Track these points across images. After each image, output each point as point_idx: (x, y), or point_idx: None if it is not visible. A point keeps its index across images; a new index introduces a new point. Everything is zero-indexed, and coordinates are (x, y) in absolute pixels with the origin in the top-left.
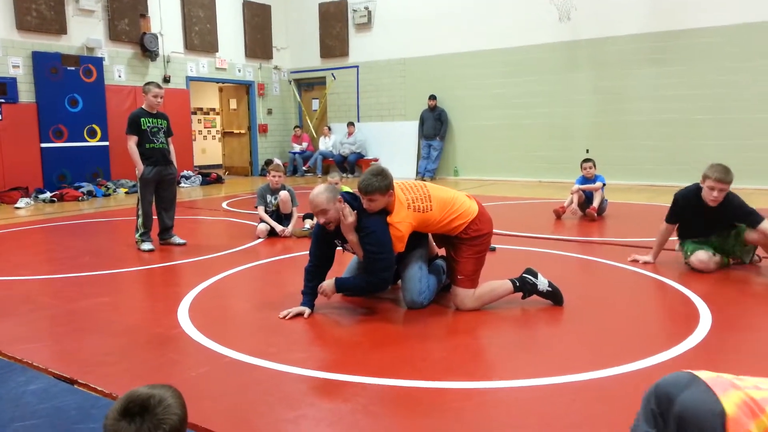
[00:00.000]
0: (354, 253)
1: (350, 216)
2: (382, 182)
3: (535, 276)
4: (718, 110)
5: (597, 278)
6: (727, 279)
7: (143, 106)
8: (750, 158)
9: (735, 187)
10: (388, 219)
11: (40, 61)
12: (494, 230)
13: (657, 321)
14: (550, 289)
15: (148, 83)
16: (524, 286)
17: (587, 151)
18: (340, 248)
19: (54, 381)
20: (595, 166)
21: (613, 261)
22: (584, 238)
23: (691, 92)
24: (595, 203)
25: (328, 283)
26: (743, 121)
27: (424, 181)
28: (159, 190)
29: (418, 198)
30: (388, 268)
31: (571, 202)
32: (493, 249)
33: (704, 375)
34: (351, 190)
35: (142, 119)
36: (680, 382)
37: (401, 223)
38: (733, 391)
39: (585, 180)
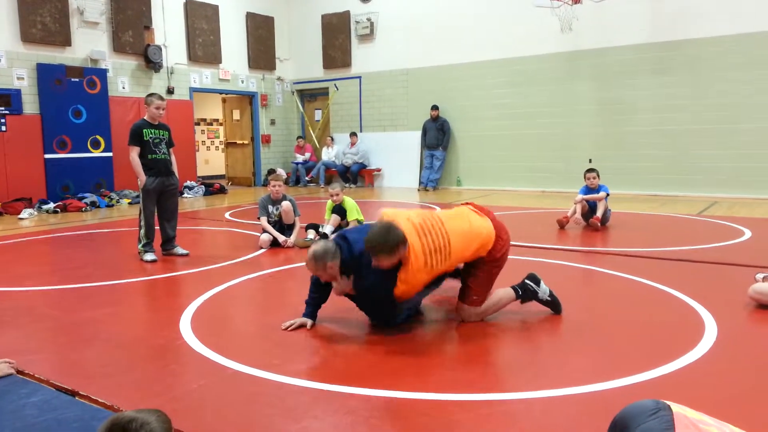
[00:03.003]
0: None
1: (344, 286)
2: (387, 243)
3: (538, 283)
4: (721, 120)
5: (600, 288)
6: (734, 290)
7: (145, 117)
8: (752, 168)
9: (737, 197)
10: (400, 274)
11: (45, 73)
12: None
13: (661, 332)
14: (549, 298)
15: (150, 95)
16: (525, 293)
17: (590, 161)
18: None
19: (55, 393)
20: (598, 176)
21: (617, 271)
22: (587, 248)
23: (693, 102)
24: (599, 213)
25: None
26: (746, 130)
27: (433, 209)
28: (161, 200)
29: (436, 248)
30: (384, 322)
31: (575, 212)
32: None
33: (675, 408)
34: (358, 208)
35: (144, 130)
36: (644, 412)
37: (413, 281)
38: None
39: (588, 190)
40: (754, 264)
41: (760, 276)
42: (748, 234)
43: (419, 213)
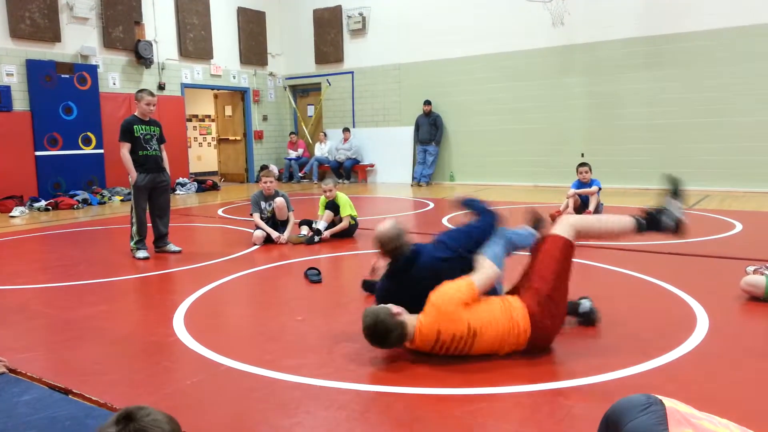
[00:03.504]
0: None
1: (379, 265)
2: (373, 339)
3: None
4: (712, 113)
5: (592, 282)
6: (725, 282)
7: (136, 114)
8: (743, 162)
9: (728, 190)
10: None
11: (34, 69)
12: None
13: (653, 325)
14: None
15: (140, 91)
16: (650, 223)
17: (582, 155)
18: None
19: (48, 391)
20: (591, 170)
21: (609, 264)
22: (579, 242)
23: (684, 96)
24: (591, 207)
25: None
26: (737, 124)
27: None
28: (153, 197)
29: (452, 348)
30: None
31: (567, 206)
32: None
33: (668, 403)
34: (351, 204)
35: (135, 126)
36: (635, 407)
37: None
38: (688, 430)
39: (581, 184)
40: (745, 257)
41: (751, 269)
42: (739, 227)
43: (452, 336)
